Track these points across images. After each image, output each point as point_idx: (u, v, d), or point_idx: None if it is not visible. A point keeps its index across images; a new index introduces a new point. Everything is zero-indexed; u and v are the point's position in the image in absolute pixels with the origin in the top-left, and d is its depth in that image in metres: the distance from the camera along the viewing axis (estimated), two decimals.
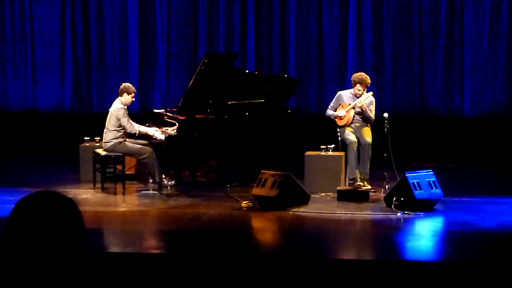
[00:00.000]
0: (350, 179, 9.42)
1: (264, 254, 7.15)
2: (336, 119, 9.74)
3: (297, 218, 8.45)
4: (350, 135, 9.54)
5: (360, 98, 9.57)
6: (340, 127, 9.71)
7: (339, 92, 9.93)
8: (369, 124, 9.69)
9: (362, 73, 9.72)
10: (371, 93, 9.69)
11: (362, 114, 9.62)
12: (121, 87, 9.82)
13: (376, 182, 9.63)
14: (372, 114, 9.63)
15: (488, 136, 11.94)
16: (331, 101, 9.91)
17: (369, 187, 9.45)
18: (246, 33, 12.49)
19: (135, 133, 9.74)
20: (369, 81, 9.62)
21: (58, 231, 2.13)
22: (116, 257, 6.59)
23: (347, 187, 9.45)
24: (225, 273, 5.89)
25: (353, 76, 9.76)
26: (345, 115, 9.64)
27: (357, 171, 9.40)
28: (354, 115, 9.65)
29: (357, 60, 12.27)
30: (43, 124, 12.73)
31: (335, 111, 9.77)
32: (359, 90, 9.58)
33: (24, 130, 12.74)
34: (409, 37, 12.18)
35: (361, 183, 9.35)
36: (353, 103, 9.59)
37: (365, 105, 9.55)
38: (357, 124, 9.67)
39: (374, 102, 9.72)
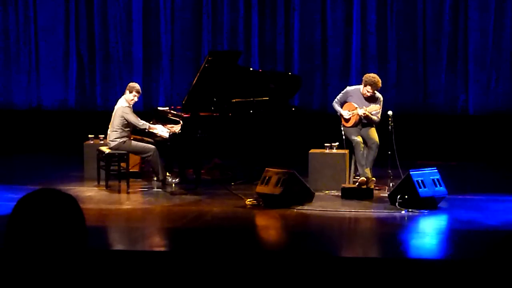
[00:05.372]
0: (365, 178, 9.24)
1: (268, 252, 7.14)
2: (341, 118, 9.70)
3: (301, 216, 8.44)
4: (355, 136, 9.49)
5: (368, 108, 9.46)
6: (345, 126, 9.67)
7: (347, 88, 9.85)
8: (374, 125, 9.63)
9: (376, 76, 9.58)
10: (379, 106, 9.51)
11: (367, 119, 9.55)
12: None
13: (380, 180, 9.62)
14: (378, 116, 9.54)
15: (493, 133, 11.91)
16: (336, 97, 9.87)
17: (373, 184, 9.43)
18: (250, 30, 12.49)
19: (146, 128, 9.69)
20: (380, 84, 9.52)
21: (59, 228, 2.13)
22: (120, 255, 6.59)
23: (351, 185, 9.44)
24: (229, 271, 5.88)
25: (365, 76, 9.64)
26: (350, 118, 9.59)
27: (367, 171, 9.33)
28: (360, 118, 9.56)
29: (361, 57, 12.25)
30: (48, 121, 12.74)
31: (341, 106, 9.72)
32: (368, 92, 9.50)
33: (28, 128, 12.74)
34: (413, 34, 12.15)
35: (373, 179, 9.30)
36: (359, 110, 9.48)
37: (369, 114, 9.46)
38: (362, 125, 9.61)
39: (382, 102, 9.63)
